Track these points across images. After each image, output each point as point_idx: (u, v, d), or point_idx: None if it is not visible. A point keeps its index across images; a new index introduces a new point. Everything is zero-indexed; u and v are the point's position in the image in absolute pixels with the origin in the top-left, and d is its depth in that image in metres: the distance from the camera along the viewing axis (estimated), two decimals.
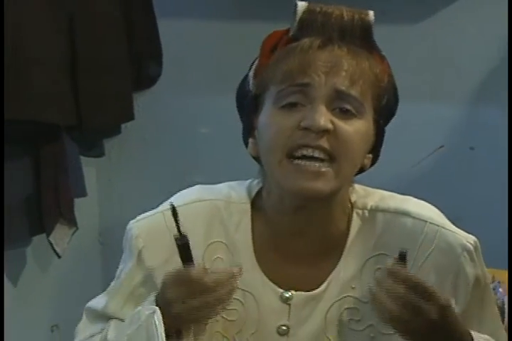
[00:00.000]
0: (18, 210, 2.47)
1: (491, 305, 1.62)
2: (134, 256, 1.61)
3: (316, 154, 1.45)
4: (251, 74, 1.58)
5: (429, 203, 1.64)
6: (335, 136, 1.46)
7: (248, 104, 1.57)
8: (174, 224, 1.50)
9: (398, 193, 1.66)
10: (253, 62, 1.57)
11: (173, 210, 1.50)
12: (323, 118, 1.45)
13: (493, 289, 2.08)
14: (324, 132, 1.45)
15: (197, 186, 1.70)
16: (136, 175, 2.68)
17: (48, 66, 2.40)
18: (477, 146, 2.59)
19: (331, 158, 1.46)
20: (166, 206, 1.60)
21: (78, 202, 2.58)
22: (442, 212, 1.62)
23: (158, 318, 1.46)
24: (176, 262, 1.52)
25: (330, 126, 1.45)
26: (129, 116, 2.64)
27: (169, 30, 2.67)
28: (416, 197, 1.65)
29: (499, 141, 2.53)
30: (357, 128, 1.49)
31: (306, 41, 1.50)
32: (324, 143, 1.46)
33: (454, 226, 1.57)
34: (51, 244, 2.50)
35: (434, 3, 2.64)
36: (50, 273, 2.53)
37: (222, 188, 1.67)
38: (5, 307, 2.46)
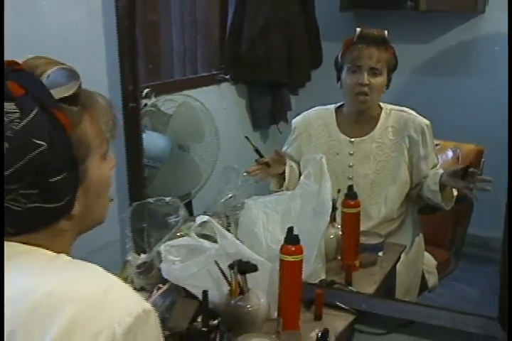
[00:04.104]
0: (264, 115, 3.02)
1: (433, 149, 2.02)
2: (292, 129, 2.14)
3: (365, 93, 1.93)
4: (339, 54, 2.00)
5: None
6: (371, 85, 1.93)
7: (338, 67, 2.00)
8: (307, 119, 2.07)
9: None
10: (341, 49, 1.99)
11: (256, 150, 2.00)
12: (366, 78, 1.92)
13: (454, 152, 2.37)
14: (366, 85, 1.93)
15: (316, 107, 2.13)
16: (309, 103, 2.51)
17: (277, 57, 2.93)
18: None
19: (369, 94, 1.94)
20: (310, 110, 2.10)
21: (288, 113, 3.10)
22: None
23: None
24: (303, 137, 2.07)
25: (368, 82, 1.93)
26: (308, 79, 3.11)
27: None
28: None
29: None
30: (380, 80, 1.95)
31: (359, 46, 1.94)
32: (367, 89, 1.94)
33: (421, 117, 1.99)
34: (279, 129, 3.09)
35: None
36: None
37: (328, 106, 2.11)
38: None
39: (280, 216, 1.82)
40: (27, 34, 1.79)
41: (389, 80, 1.99)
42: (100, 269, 0.83)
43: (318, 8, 3.03)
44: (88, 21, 1.87)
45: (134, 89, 1.76)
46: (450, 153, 2.36)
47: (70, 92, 0.85)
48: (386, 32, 1.93)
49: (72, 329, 0.73)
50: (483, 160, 2.29)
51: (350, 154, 2.05)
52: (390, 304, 1.66)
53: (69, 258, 0.86)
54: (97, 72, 1.88)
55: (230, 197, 1.89)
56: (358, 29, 1.94)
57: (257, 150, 2.01)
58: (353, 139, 2.05)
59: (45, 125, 0.81)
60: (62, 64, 0.88)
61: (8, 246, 0.83)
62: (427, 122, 2.01)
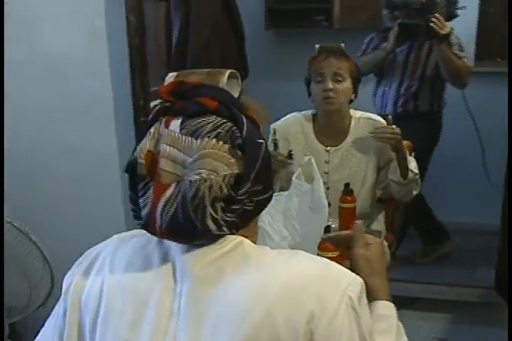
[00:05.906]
0: None
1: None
2: (272, 133, 1.90)
3: (331, 97, 1.83)
4: (307, 72, 1.90)
5: None
6: (336, 90, 1.84)
7: (307, 83, 1.90)
8: (285, 125, 1.93)
9: None
10: (307, 68, 1.90)
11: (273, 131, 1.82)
12: (330, 84, 1.83)
13: None
14: (331, 89, 1.83)
15: (294, 113, 2.00)
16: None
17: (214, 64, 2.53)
18: None
19: (335, 98, 1.84)
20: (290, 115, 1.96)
21: None
22: None
23: None
24: (283, 142, 1.89)
25: (332, 87, 1.83)
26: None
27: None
28: None
29: None
30: (344, 86, 1.85)
31: (320, 58, 1.86)
32: (332, 94, 1.84)
33: (383, 120, 1.89)
34: None
35: None
36: None
37: (305, 112, 1.98)
38: None
39: (281, 214, 1.72)
40: (25, 55, 1.62)
41: (355, 89, 1.91)
42: (305, 253, 0.81)
43: (247, 27, 2.93)
44: (91, 40, 1.67)
45: (145, 105, 1.58)
46: None
47: (239, 91, 0.81)
48: (343, 45, 1.88)
49: (319, 300, 0.73)
50: (413, 153, 2.26)
51: (326, 162, 1.95)
52: (397, 285, 1.62)
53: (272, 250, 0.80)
54: (102, 88, 1.70)
55: None
56: (317, 45, 1.88)
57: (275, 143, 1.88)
58: (328, 148, 1.96)
59: (252, 126, 0.77)
60: (221, 70, 0.82)
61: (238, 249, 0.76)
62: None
